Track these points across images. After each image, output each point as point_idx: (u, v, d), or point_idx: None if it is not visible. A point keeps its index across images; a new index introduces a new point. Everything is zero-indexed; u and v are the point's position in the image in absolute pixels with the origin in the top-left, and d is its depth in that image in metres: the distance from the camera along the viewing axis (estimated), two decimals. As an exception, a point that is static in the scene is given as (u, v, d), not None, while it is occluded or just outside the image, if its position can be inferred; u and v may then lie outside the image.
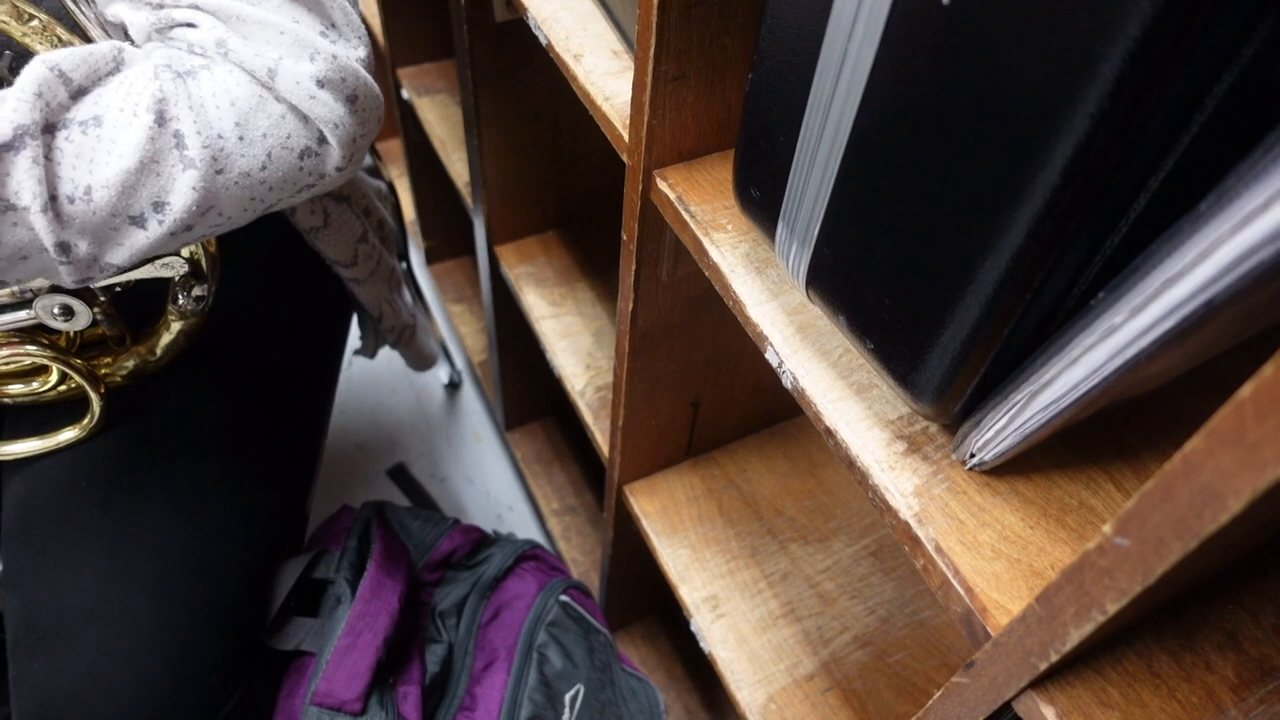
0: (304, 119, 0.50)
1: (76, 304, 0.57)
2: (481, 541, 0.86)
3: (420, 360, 0.96)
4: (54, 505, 0.61)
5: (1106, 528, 0.24)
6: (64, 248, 0.45)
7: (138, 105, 0.45)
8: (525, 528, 1.25)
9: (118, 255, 0.47)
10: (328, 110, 0.49)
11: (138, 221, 0.46)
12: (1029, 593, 0.33)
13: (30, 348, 0.59)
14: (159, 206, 0.46)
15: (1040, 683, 0.31)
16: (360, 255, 0.76)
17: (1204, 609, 0.34)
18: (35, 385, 0.63)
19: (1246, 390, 0.19)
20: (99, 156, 0.44)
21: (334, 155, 0.51)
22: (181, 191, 0.46)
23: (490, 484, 1.30)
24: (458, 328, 1.40)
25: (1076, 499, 0.36)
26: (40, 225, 0.43)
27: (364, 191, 0.78)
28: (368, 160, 0.87)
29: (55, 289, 0.56)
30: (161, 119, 0.45)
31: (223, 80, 0.47)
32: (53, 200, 0.44)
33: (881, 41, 0.30)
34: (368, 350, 0.92)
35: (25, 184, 0.42)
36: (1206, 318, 0.24)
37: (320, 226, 0.71)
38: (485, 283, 1.05)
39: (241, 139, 0.47)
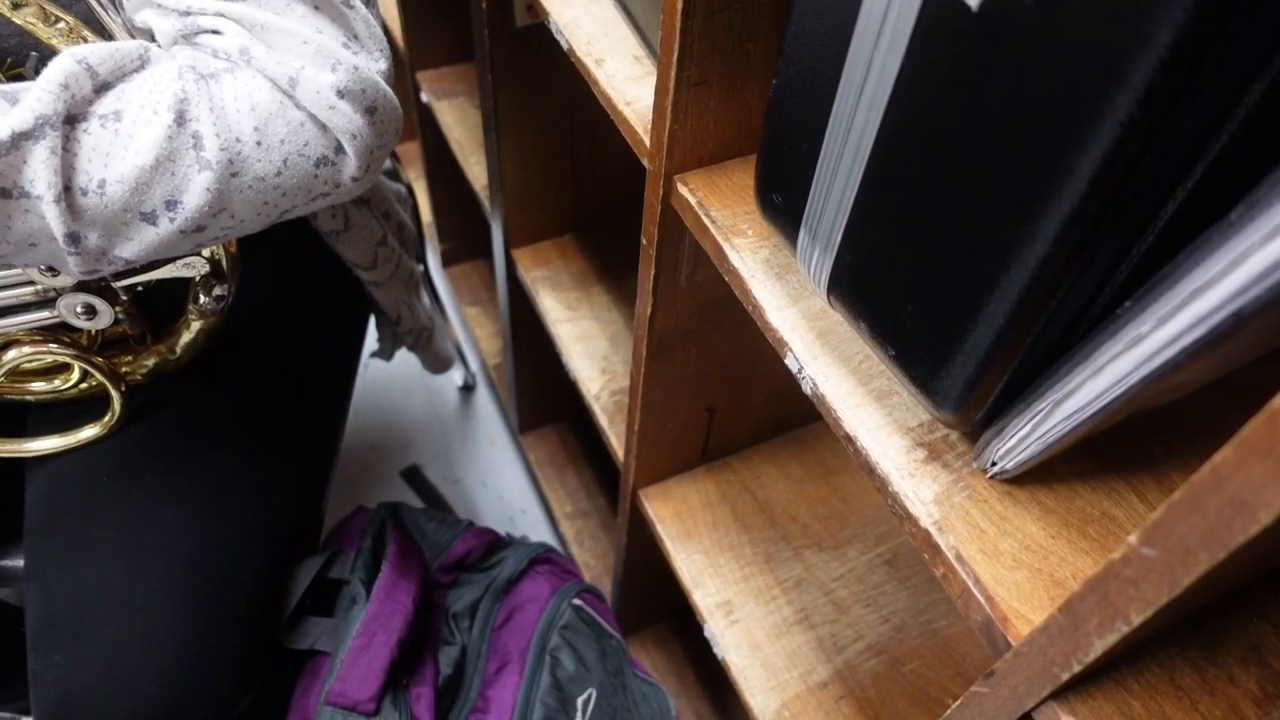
0: (322, 128, 0.50)
1: (99, 303, 0.57)
2: (495, 544, 0.86)
3: (437, 363, 0.97)
4: (75, 501, 0.61)
5: (1133, 538, 0.24)
6: (74, 238, 0.45)
7: (158, 104, 0.46)
8: (538, 531, 1.26)
9: (127, 250, 0.48)
10: (346, 120, 0.50)
11: (149, 218, 0.47)
12: (1050, 603, 0.33)
13: (53, 346, 0.59)
14: (171, 205, 0.47)
15: (1062, 693, 0.31)
16: (380, 258, 0.76)
17: (1227, 621, 0.33)
18: (57, 383, 0.64)
19: (1278, 402, 0.19)
20: (115, 151, 0.45)
21: (350, 165, 0.52)
22: (195, 192, 0.47)
23: (503, 487, 1.30)
24: (473, 330, 1.40)
25: (1098, 509, 0.36)
26: (51, 215, 0.44)
27: (384, 195, 0.79)
28: (387, 164, 0.88)
29: (79, 288, 0.56)
30: (181, 119, 0.46)
31: (245, 85, 0.48)
32: (66, 191, 0.44)
33: (908, 47, 0.30)
34: (384, 353, 0.92)
35: (41, 173, 0.43)
36: (1236, 328, 0.24)
37: (341, 230, 0.71)
38: (501, 286, 1.05)
39: (259, 144, 0.48)
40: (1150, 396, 0.30)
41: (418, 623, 0.73)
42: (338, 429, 0.80)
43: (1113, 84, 0.24)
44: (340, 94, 0.49)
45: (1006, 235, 0.29)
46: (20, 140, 0.42)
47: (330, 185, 0.52)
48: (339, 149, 0.51)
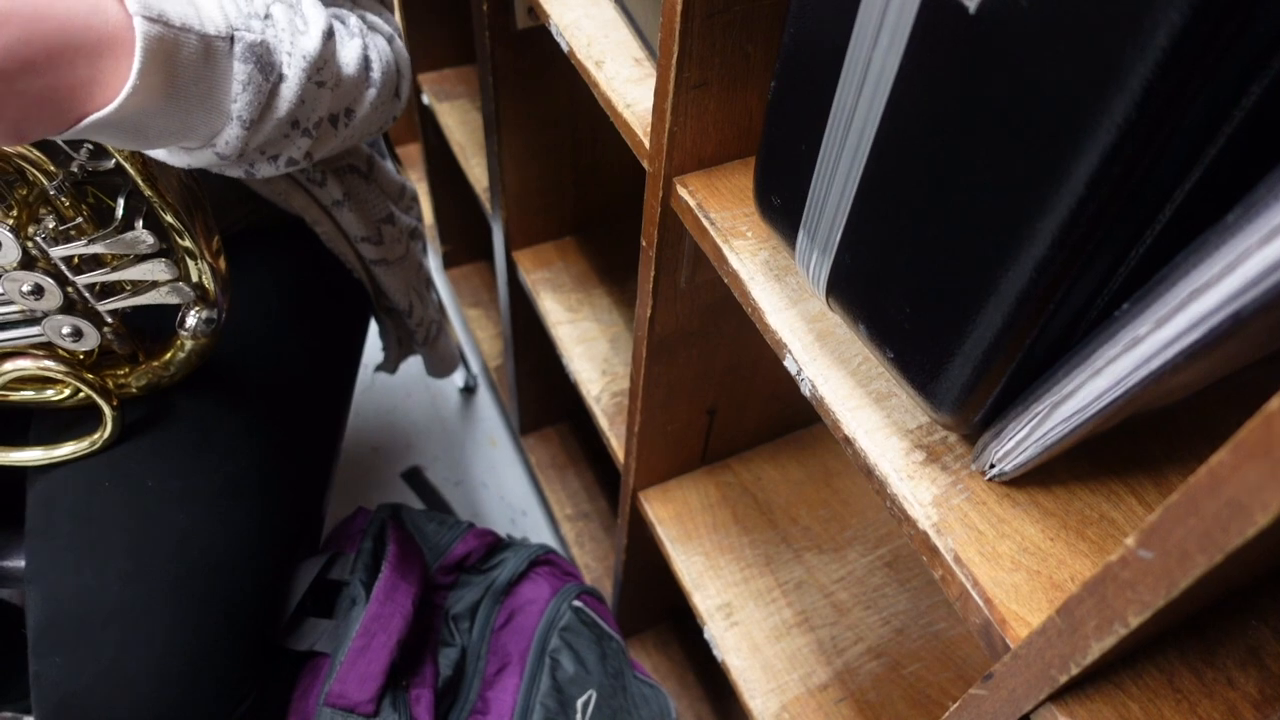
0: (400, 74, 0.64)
1: (85, 326, 0.57)
2: (495, 545, 0.86)
3: (443, 363, 0.97)
4: (77, 504, 0.61)
5: (1130, 540, 0.24)
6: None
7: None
8: (539, 532, 1.26)
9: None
10: (407, 78, 0.65)
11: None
12: (1049, 605, 0.33)
13: (48, 363, 0.59)
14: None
15: (1059, 696, 0.31)
16: (386, 236, 0.77)
17: (1226, 624, 0.33)
18: (49, 394, 0.64)
19: (1275, 404, 0.19)
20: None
21: (399, 107, 0.65)
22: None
23: (504, 488, 1.31)
24: (474, 332, 1.41)
25: (1097, 511, 0.36)
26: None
27: (386, 181, 0.79)
28: (390, 165, 0.88)
29: (64, 310, 0.56)
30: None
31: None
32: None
33: (906, 50, 0.30)
34: (389, 365, 0.93)
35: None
36: (1233, 330, 0.24)
37: (341, 200, 0.73)
38: (502, 288, 1.05)
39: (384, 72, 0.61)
40: (1149, 398, 0.30)
41: (418, 624, 0.73)
42: (338, 431, 0.80)
43: (1110, 87, 0.24)
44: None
45: (1004, 237, 0.29)
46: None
47: (388, 118, 0.65)
48: (396, 93, 0.65)
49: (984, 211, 0.29)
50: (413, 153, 1.60)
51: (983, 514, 0.36)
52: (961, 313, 0.31)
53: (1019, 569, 0.34)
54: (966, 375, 0.33)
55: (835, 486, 0.79)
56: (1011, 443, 0.34)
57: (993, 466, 0.36)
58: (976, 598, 0.33)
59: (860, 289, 0.37)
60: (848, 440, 0.39)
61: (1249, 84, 0.23)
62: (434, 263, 1.49)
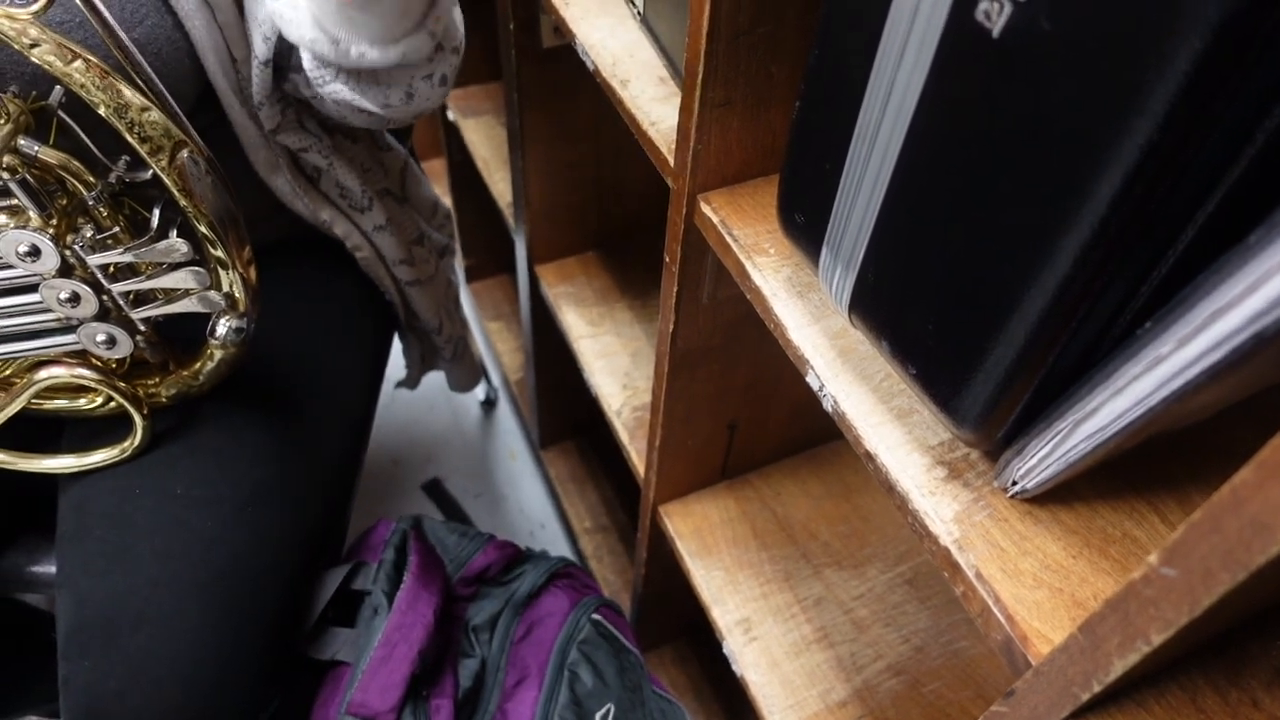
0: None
1: (119, 333, 0.58)
2: (515, 557, 0.86)
3: (467, 377, 0.98)
4: (107, 510, 0.62)
5: (1152, 558, 0.24)
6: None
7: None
8: (557, 546, 1.26)
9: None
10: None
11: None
12: (1070, 622, 0.33)
13: (81, 370, 0.60)
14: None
15: (1082, 714, 0.31)
16: (417, 257, 0.79)
17: (1251, 645, 0.33)
18: (82, 403, 0.65)
19: (1297, 422, 0.19)
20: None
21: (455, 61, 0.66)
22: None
23: (524, 501, 1.31)
24: (495, 345, 1.42)
25: (1120, 530, 0.36)
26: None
27: (419, 199, 0.81)
28: (425, 181, 0.89)
29: (99, 318, 0.57)
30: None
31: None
32: None
33: (930, 72, 0.30)
34: (411, 381, 0.94)
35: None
36: (1255, 350, 0.24)
37: (383, 225, 0.74)
38: (524, 301, 1.06)
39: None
40: (1172, 417, 0.30)
41: (438, 635, 0.74)
42: (362, 442, 0.81)
43: (1132, 110, 0.24)
44: None
45: (1028, 256, 0.29)
46: None
47: (441, 90, 0.66)
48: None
49: (1007, 230, 0.29)
50: (437, 168, 1.62)
51: (1005, 531, 0.36)
52: (984, 330, 0.32)
53: (1041, 586, 0.34)
54: (989, 392, 0.33)
55: (855, 503, 0.79)
56: (1034, 460, 0.34)
57: (1015, 484, 0.36)
58: (998, 614, 0.33)
59: (883, 306, 0.37)
60: (869, 456, 0.39)
61: (1271, 106, 0.24)
62: (457, 277, 1.50)
